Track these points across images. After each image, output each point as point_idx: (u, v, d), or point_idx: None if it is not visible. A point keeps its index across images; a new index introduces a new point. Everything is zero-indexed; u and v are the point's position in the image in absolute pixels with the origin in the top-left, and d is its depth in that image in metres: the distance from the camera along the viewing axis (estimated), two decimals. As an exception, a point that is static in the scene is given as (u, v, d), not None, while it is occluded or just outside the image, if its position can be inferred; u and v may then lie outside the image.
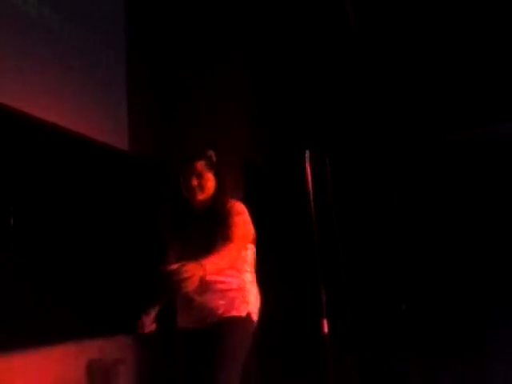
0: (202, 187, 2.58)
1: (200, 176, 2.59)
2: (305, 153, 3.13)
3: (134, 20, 5.07)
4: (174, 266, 2.02)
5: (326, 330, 2.79)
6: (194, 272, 2.01)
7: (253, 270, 2.65)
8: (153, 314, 2.63)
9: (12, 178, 3.64)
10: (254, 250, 2.68)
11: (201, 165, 2.60)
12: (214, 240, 2.42)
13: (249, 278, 2.58)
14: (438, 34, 4.99)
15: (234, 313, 2.44)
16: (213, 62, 5.15)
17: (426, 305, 4.52)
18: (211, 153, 2.65)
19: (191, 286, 2.01)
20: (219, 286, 2.46)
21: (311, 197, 3.05)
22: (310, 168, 3.10)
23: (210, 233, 2.49)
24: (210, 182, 2.60)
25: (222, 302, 2.45)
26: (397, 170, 4.94)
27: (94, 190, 4.37)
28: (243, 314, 2.45)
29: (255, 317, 2.51)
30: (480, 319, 4.44)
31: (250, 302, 2.51)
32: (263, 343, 4.34)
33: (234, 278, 2.49)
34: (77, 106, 4.22)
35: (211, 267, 2.14)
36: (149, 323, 2.60)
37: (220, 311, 2.44)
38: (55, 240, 3.92)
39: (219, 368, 2.27)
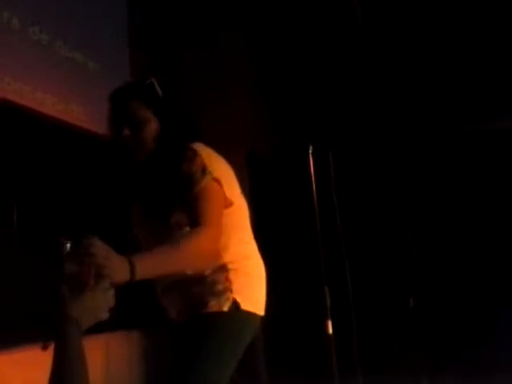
0: (137, 139, 1.71)
1: (133, 121, 1.71)
2: (308, 147, 3.07)
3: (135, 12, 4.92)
4: (98, 249, 1.26)
5: (330, 331, 2.70)
6: (110, 271, 1.26)
7: (243, 235, 1.84)
8: None
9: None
10: (242, 204, 1.84)
11: (134, 105, 1.72)
12: (171, 211, 1.70)
13: (238, 251, 1.78)
14: (439, 31, 4.95)
15: (209, 309, 1.73)
16: (218, 51, 5.06)
17: (436, 301, 4.41)
18: (153, 81, 1.76)
19: (85, 280, 1.21)
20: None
21: (314, 192, 2.97)
22: (313, 162, 3.03)
23: (162, 201, 1.71)
24: (150, 127, 1.72)
25: (193, 293, 1.77)
26: (400, 164, 4.84)
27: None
28: (225, 308, 1.72)
29: (249, 305, 1.75)
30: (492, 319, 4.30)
31: (236, 286, 1.74)
32: (269, 344, 4.29)
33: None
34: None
35: (147, 269, 1.40)
36: None
37: (192, 305, 1.78)
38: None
39: (192, 373, 1.69)
